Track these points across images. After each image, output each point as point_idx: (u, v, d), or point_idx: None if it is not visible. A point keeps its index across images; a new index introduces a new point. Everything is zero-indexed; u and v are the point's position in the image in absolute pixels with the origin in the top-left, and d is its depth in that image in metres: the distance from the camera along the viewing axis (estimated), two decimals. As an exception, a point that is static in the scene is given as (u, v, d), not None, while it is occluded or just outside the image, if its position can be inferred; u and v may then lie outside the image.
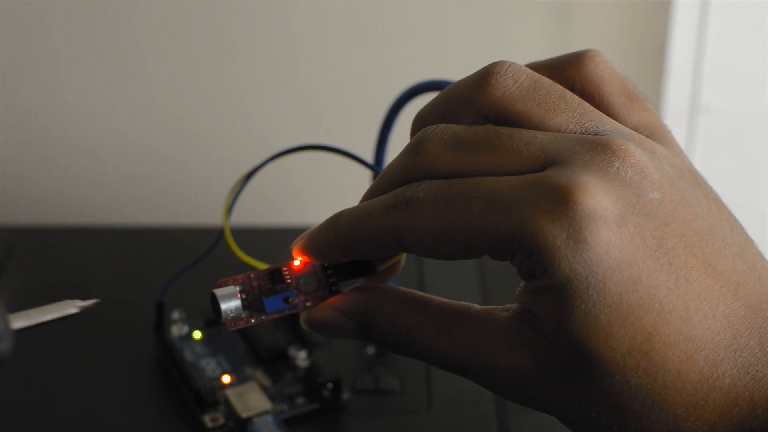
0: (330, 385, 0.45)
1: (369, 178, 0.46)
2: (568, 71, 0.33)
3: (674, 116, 0.77)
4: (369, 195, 0.32)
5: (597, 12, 0.78)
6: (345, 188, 0.81)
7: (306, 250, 0.33)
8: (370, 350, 0.49)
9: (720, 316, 0.28)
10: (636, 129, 0.32)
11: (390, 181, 0.31)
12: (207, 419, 0.44)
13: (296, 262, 0.33)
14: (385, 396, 0.46)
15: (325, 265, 0.33)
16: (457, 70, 0.80)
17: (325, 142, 0.83)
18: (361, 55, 0.79)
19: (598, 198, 0.27)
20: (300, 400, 0.45)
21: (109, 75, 0.80)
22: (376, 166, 0.38)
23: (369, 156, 0.46)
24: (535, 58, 0.79)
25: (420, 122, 0.34)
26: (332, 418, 0.45)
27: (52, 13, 0.77)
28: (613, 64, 0.33)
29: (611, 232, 0.27)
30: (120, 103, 0.81)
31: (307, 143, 0.38)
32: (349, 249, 0.31)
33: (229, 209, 0.37)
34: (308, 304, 0.33)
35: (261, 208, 0.80)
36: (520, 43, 0.78)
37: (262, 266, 0.35)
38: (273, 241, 0.59)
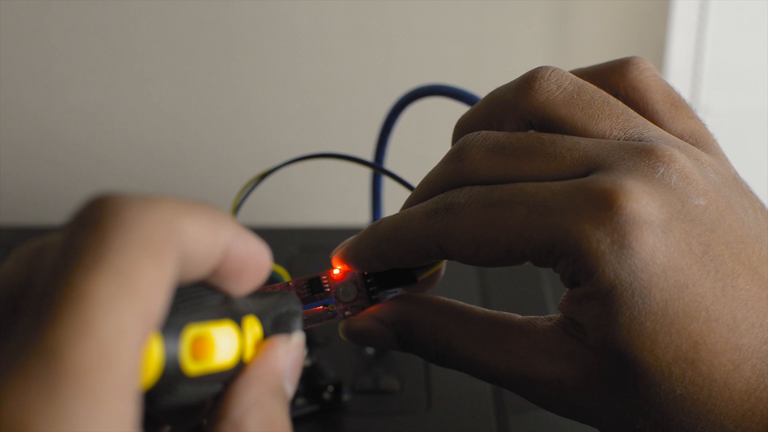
0: (330, 388, 0.45)
1: (369, 178, 0.47)
2: (612, 78, 0.32)
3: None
4: (410, 202, 0.32)
5: (597, 12, 0.78)
6: (345, 188, 0.81)
7: (346, 259, 0.32)
8: (370, 350, 0.49)
9: (767, 326, 0.28)
10: (681, 136, 0.31)
11: (431, 187, 0.31)
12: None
13: (336, 271, 0.32)
14: (384, 396, 0.46)
15: (365, 274, 0.32)
16: (458, 70, 0.80)
17: (325, 144, 0.84)
18: (361, 56, 0.79)
19: (642, 203, 0.27)
20: (300, 401, 0.45)
21: (109, 75, 0.80)
22: (386, 169, 0.37)
23: (369, 157, 0.46)
24: (534, 58, 0.79)
25: (462, 128, 0.33)
26: (332, 418, 0.45)
27: (52, 13, 0.77)
28: (657, 71, 0.33)
29: (656, 237, 0.27)
30: (120, 103, 0.81)
31: (325, 151, 0.38)
32: (390, 257, 0.31)
33: (237, 209, 0.38)
34: (347, 313, 0.32)
35: (261, 208, 0.80)
36: (520, 43, 0.78)
37: None
38: (273, 241, 0.59)
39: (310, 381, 0.45)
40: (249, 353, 0.24)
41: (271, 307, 0.26)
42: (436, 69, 0.79)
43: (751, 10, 0.75)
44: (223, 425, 0.22)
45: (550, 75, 0.31)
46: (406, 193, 0.34)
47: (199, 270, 0.22)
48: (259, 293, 0.26)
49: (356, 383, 0.47)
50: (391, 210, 0.35)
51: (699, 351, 0.27)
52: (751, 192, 0.31)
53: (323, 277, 0.32)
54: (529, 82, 0.31)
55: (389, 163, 0.46)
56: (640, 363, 0.27)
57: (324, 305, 0.32)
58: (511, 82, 0.32)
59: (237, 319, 0.23)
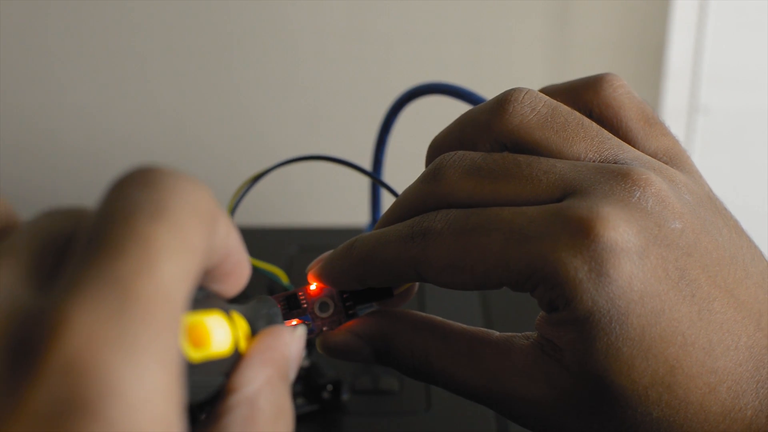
0: (330, 387, 0.45)
1: (367, 181, 0.47)
2: (586, 95, 0.32)
3: (673, 116, 0.77)
4: (385, 221, 0.32)
5: (596, 12, 0.78)
6: (344, 189, 0.81)
7: (322, 277, 0.32)
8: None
9: (742, 348, 0.28)
10: (654, 154, 0.31)
11: (407, 207, 0.31)
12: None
13: (312, 287, 0.33)
14: (384, 396, 0.46)
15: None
16: (457, 71, 0.80)
17: (324, 143, 0.84)
18: (361, 56, 0.79)
19: (619, 230, 0.27)
20: (299, 401, 0.45)
21: (108, 75, 0.80)
22: (381, 180, 0.37)
23: (368, 156, 0.46)
24: (534, 58, 0.79)
25: (436, 149, 0.33)
26: (331, 418, 0.45)
27: (52, 14, 0.77)
28: (631, 88, 0.33)
29: (633, 264, 0.27)
30: (120, 103, 0.81)
31: (318, 154, 0.38)
32: (366, 277, 0.31)
33: (232, 211, 0.38)
34: (324, 328, 0.33)
35: (261, 209, 0.80)
36: (519, 43, 0.78)
37: (262, 266, 0.34)
38: (273, 241, 0.59)
39: (309, 381, 0.45)
40: (243, 344, 0.24)
41: (252, 309, 0.26)
42: (435, 69, 0.79)
43: (751, 10, 0.75)
44: (236, 398, 0.22)
45: (523, 98, 0.31)
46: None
47: (206, 262, 0.22)
48: (235, 300, 0.26)
49: (356, 383, 0.47)
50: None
51: (675, 375, 0.27)
52: (725, 209, 0.31)
53: (300, 294, 0.32)
54: (502, 104, 0.31)
55: (388, 163, 0.46)
56: (617, 387, 0.28)
57: (300, 321, 0.32)
58: (485, 104, 0.32)
59: (225, 310, 0.24)
